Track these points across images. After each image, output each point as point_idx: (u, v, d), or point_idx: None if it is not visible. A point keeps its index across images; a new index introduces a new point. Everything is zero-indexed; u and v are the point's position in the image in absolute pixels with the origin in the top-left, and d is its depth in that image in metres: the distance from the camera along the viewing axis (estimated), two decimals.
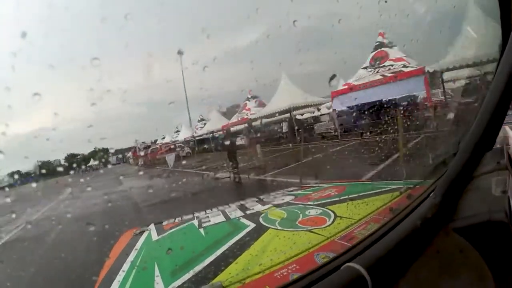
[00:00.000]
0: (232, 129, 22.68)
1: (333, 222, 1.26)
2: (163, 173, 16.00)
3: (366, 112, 13.20)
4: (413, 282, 0.57)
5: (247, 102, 22.11)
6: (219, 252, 1.15)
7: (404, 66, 12.60)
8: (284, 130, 20.71)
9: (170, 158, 18.47)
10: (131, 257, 1.32)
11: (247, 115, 21.19)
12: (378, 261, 0.57)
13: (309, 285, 0.55)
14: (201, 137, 29.59)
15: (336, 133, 15.13)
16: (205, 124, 28.94)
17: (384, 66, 13.35)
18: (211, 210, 2.00)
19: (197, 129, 30.35)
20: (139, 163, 27.01)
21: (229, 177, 9.28)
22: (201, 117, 31.33)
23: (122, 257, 1.37)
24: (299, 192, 2.19)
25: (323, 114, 19.77)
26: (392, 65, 13.10)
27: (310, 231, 1.21)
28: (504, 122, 0.68)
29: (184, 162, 20.13)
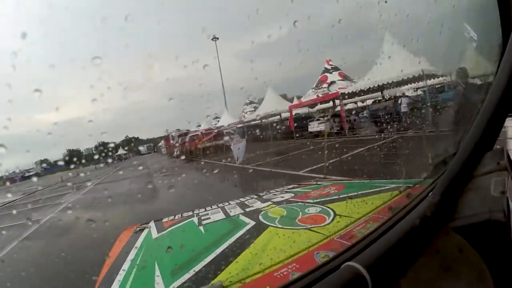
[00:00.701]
0: (297, 111, 16.35)
1: (332, 220, 1.26)
2: (246, 175, 8.55)
3: None
4: (413, 281, 0.57)
5: (327, 74, 18.04)
6: (219, 250, 1.15)
7: None
8: (403, 110, 14.20)
9: (239, 147, 9.99)
10: (131, 256, 1.33)
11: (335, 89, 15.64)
12: (378, 260, 0.57)
13: (309, 284, 0.55)
14: (252, 123, 22.49)
15: None
16: (255, 107, 23.21)
17: None
18: (211, 207, 2.00)
19: (246, 113, 24.34)
20: (174, 153, 21.25)
21: None
22: (249, 99, 25.20)
23: (122, 255, 1.37)
24: (298, 189, 2.20)
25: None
26: None
27: (309, 229, 1.21)
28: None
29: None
